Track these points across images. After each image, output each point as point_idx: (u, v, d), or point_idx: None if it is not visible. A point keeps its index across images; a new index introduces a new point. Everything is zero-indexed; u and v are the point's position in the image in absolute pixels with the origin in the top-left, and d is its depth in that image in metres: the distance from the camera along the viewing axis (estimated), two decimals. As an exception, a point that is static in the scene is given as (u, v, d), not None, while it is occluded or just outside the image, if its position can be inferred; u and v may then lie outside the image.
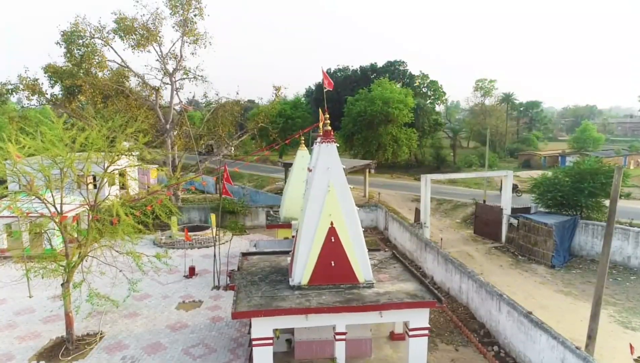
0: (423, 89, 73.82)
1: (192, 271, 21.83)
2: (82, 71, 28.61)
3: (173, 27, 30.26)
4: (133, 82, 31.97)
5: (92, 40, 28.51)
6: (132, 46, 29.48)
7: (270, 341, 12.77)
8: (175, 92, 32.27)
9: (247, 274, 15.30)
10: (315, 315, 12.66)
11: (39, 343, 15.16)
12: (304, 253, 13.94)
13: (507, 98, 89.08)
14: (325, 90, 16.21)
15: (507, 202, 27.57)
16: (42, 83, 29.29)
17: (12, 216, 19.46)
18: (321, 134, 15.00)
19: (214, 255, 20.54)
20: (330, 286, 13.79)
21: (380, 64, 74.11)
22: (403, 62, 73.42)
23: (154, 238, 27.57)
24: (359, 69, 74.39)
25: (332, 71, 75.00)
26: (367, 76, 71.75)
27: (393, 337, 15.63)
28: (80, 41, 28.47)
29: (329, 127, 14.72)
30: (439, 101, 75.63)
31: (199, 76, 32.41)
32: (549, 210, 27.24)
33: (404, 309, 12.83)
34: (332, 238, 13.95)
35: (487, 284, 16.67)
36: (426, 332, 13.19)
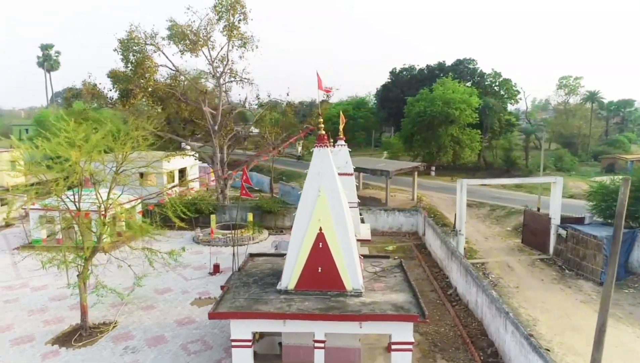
0: (495, 87, 70.10)
1: (216, 269, 22.58)
2: (136, 76, 30.65)
3: (221, 32, 31.44)
4: (184, 85, 33.64)
5: (145, 47, 30.45)
6: (181, 51, 31.08)
7: (249, 343, 12.89)
8: (224, 94, 33.51)
9: (245, 275, 15.54)
10: (293, 321, 12.59)
11: (60, 328, 16.52)
12: (293, 257, 13.89)
13: (592, 96, 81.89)
14: (329, 94, 15.94)
15: (556, 211, 25.43)
16: (105, 87, 31.86)
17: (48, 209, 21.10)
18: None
19: (233, 254, 21.07)
20: (316, 293, 13.61)
21: (449, 63, 71.51)
22: (472, 60, 70.23)
23: (194, 235, 28.84)
24: (425, 68, 72.26)
25: (397, 71, 73.54)
26: (434, 75, 69.52)
27: (389, 348, 15.06)
28: (136, 48, 30.53)
29: (323, 132, 14.47)
30: (512, 100, 71.29)
31: (245, 78, 33.39)
32: (606, 221, 24.72)
33: (384, 321, 12.37)
34: (321, 243, 13.73)
35: (498, 300, 15.54)
36: (410, 346, 12.60)
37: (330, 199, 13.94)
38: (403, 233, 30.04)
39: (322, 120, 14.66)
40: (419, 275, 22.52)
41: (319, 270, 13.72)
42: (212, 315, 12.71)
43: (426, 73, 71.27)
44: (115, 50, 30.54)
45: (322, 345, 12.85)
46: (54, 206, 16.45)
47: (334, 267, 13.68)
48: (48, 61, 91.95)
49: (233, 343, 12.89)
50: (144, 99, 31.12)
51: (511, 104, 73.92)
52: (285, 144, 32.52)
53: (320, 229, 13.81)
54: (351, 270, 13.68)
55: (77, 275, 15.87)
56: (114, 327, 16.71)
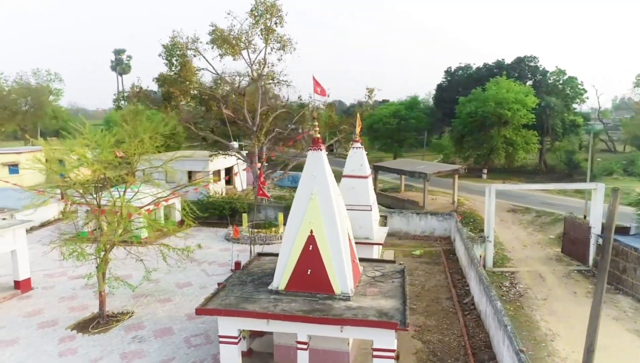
0: (559, 86, 66.03)
1: (237, 266, 23.18)
2: (179, 79, 32.23)
3: (258, 35, 32.28)
4: (224, 87, 34.88)
5: (186, 51, 31.93)
6: (220, 55, 32.27)
7: (236, 340, 13.27)
8: (267, 94, 34.41)
9: (246, 274, 15.97)
10: (275, 321, 12.81)
11: (82, 315, 17.84)
12: (284, 258, 14.13)
13: (673, 94, 74.83)
14: (324, 97, 15.99)
15: (596, 219, 23.71)
16: (152, 91, 33.81)
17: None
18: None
19: (250, 252, 21.65)
20: (305, 294, 13.75)
21: (508, 61, 68.25)
22: (534, 57, 66.56)
23: (227, 232, 29.82)
24: (483, 67, 69.47)
25: (452, 70, 71.36)
26: (491, 74, 66.66)
27: (384, 354, 14.86)
28: (178, 52, 32.10)
29: (318, 135, 14.53)
30: (577, 100, 66.81)
31: (282, 80, 34.04)
32: (654, 232, 22.73)
33: (364, 327, 12.26)
34: (311, 246, 13.86)
35: (501, 311, 14.83)
36: (392, 354, 12.38)
37: (322, 202, 14.00)
38: (435, 237, 29.27)
39: (317, 123, 14.69)
40: (440, 282, 21.92)
41: (309, 272, 13.85)
42: (198, 311, 13.24)
43: (484, 72, 68.44)
44: (159, 55, 32.28)
45: (304, 346, 12.96)
46: (75, 201, 17.71)
47: (324, 270, 13.74)
48: (120, 65, 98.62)
49: (220, 339, 13.34)
50: (184, 102, 32.60)
51: (577, 103, 69.38)
52: (279, 148, 33.34)
53: (311, 231, 13.93)
54: (340, 274, 13.68)
55: (96, 267, 17.05)
56: (130, 316, 17.79)
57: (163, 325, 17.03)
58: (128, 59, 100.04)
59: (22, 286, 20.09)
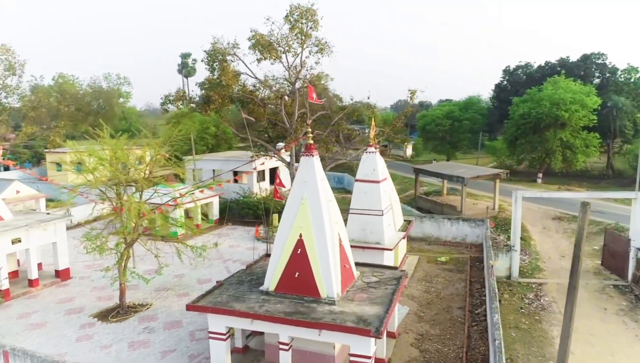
0: (631, 84, 61.08)
1: (258, 265, 23.99)
2: (220, 84, 33.60)
3: (294, 40, 32.88)
4: (263, 91, 35.90)
5: (226, 56, 33.20)
6: (258, 59, 33.27)
7: (224, 336, 13.91)
8: (299, 98, 35.00)
9: (247, 273, 16.60)
10: (258, 321, 13.29)
11: (106, 304, 19.34)
12: (275, 260, 14.59)
13: None
14: (318, 103, 16.18)
15: (636, 232, 22.03)
16: (196, 94, 35.63)
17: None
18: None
19: (267, 251, 22.25)
20: (293, 296, 14.12)
21: (573, 58, 64.12)
22: (602, 54, 62.12)
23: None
24: (545, 65, 65.78)
25: (511, 69, 68.20)
26: (554, 72, 62.96)
27: (375, 360, 14.87)
28: (220, 57, 33.47)
29: (311, 141, 14.81)
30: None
31: (319, 83, 34.44)
32: None
33: (340, 332, 12.42)
34: (299, 250, 14.22)
35: (495, 324, 14.34)
36: (369, 360, 12.44)
37: (312, 207, 14.30)
38: (467, 244, 28.44)
39: (310, 130, 14.96)
40: (457, 290, 21.38)
41: (296, 275, 14.21)
42: (189, 307, 14.01)
43: (546, 70, 64.78)
44: (202, 60, 33.84)
45: (286, 347, 13.32)
46: (105, 200, 19.18)
47: (311, 273, 14.04)
48: (186, 68, 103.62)
49: (210, 335, 14.05)
50: (223, 106, 33.90)
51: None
52: (286, 147, 33.78)
53: (300, 235, 14.28)
54: (326, 278, 13.91)
55: (117, 261, 18.41)
56: (147, 308, 19.05)
57: (174, 318, 18.07)
58: (193, 62, 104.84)
59: (61, 275, 22.07)
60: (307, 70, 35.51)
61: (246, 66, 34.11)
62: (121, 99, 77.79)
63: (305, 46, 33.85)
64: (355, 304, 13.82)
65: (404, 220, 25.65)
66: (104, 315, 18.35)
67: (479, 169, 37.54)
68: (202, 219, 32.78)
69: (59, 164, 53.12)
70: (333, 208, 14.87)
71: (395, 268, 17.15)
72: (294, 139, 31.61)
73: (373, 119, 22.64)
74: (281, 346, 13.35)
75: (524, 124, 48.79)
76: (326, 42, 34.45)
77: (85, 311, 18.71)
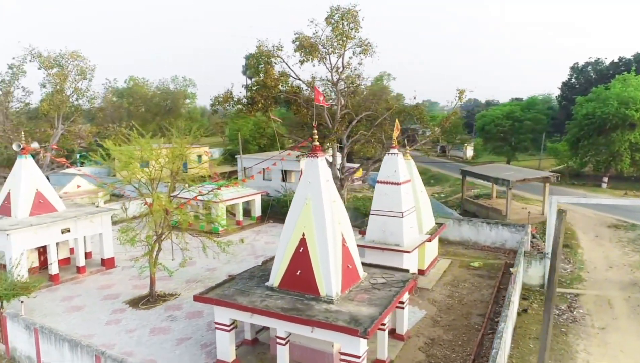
0: None
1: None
2: (265, 86, 34.69)
3: (336, 41, 33.21)
4: (307, 92, 36.53)
5: (270, 59, 34.19)
6: (300, 61, 33.97)
7: (228, 328, 14.61)
8: (340, 99, 35.35)
9: (261, 269, 17.26)
10: (257, 315, 13.85)
11: (140, 292, 20.80)
12: (279, 257, 15.10)
13: None
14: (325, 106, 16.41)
15: (688, 243, 20.19)
16: (242, 96, 36.99)
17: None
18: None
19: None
20: (295, 293, 14.56)
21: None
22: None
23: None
24: (619, 60, 61.12)
25: (579, 66, 64.06)
26: (629, 69, 58.30)
27: (375, 361, 14.94)
28: (265, 60, 34.54)
29: (317, 143, 15.13)
30: None
31: (361, 84, 34.55)
32: None
33: (331, 330, 12.68)
34: (302, 248, 14.63)
35: (499, 333, 13.88)
36: (357, 360, 12.59)
37: (314, 208, 14.65)
38: (506, 249, 27.35)
39: (316, 131, 15.27)
40: (482, 297, 20.73)
41: (298, 273, 14.62)
42: (196, 298, 14.87)
43: (620, 66, 60.16)
44: (247, 61, 35.07)
45: (282, 342, 13.76)
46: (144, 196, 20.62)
47: (311, 272, 14.40)
48: (250, 69, 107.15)
49: (216, 326, 14.82)
50: (266, 108, 34.94)
51: None
52: (295, 147, 33.96)
53: (303, 234, 14.68)
54: (326, 277, 14.20)
55: (146, 253, 19.77)
56: (175, 298, 20.27)
57: (196, 309, 19.09)
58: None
59: (106, 263, 23.99)
60: (351, 70, 35.75)
61: (289, 67, 34.95)
62: (187, 100, 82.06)
63: (347, 47, 34.12)
64: (354, 304, 13.99)
65: (436, 223, 25.25)
66: (135, 302, 19.78)
67: (527, 172, 35.79)
68: (244, 216, 34.01)
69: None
70: (337, 209, 15.09)
71: (406, 270, 17.02)
72: (301, 143, 32.24)
73: (397, 120, 22.45)
74: (278, 340, 13.81)
75: (588, 124, 45.79)
76: (369, 42, 34.52)
77: (120, 298, 20.27)
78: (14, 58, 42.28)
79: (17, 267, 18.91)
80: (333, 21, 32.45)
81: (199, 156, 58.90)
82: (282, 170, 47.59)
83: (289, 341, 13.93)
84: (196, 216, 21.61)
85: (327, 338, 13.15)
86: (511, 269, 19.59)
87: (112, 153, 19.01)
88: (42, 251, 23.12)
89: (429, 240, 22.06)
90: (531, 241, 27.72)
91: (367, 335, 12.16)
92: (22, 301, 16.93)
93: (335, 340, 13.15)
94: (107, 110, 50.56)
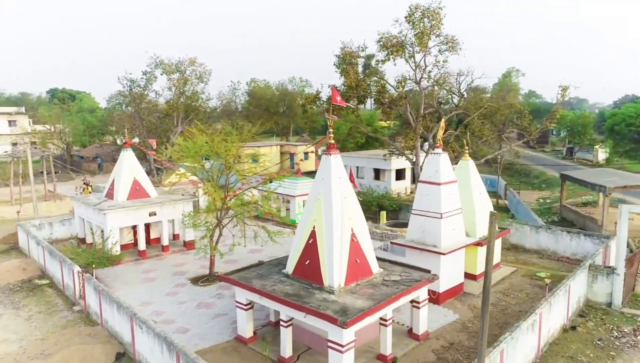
0: None
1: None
2: (351, 86, 35.76)
3: (416, 40, 32.90)
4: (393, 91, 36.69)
5: (356, 60, 35.10)
6: (382, 60, 34.33)
7: (245, 307, 16.17)
8: (425, 97, 34.94)
9: (287, 258, 18.51)
10: (264, 298, 15.19)
11: (204, 272, 23.44)
12: (295, 247, 16.27)
13: None
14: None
15: None
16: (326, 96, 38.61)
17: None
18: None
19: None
20: (304, 282, 15.65)
21: None
22: None
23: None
24: None
25: None
26: None
27: (379, 357, 15.25)
28: (352, 60, 35.59)
29: (332, 141, 15.88)
30: None
31: (443, 82, 33.73)
32: None
33: (315, 317, 13.51)
34: (311, 240, 15.63)
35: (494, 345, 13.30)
36: (341, 348, 13.20)
37: (325, 203, 15.52)
38: (576, 259, 24.88)
39: (331, 131, 16.00)
40: (530, 309, 19.40)
41: (307, 263, 15.65)
42: (221, 278, 16.76)
43: None
44: (333, 64, 36.56)
45: (285, 324, 14.90)
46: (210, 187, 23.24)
47: (318, 263, 15.35)
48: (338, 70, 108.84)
49: (236, 304, 16.51)
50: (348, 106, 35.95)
51: None
52: (317, 144, 32.53)
53: (314, 227, 15.66)
54: (329, 269, 15.01)
55: (206, 235, 22.33)
56: (230, 279, 22.52)
57: (242, 290, 21.07)
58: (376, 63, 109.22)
59: (187, 245, 27.34)
60: (439, 68, 35.18)
61: (373, 67, 35.54)
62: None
63: (431, 45, 33.68)
64: (354, 297, 14.57)
65: (499, 227, 24.00)
66: (196, 280, 22.45)
67: (630, 178, 31.49)
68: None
69: (292, 155, 62.99)
70: (349, 205, 15.71)
71: (427, 271, 16.91)
72: (320, 140, 32.23)
73: (443, 120, 21.87)
74: (281, 323, 14.99)
75: None
76: (455, 38, 33.62)
77: (186, 275, 23.17)
78: (147, 65, 49.50)
79: (108, 240, 22.84)
80: (414, 19, 32.29)
81: (305, 153, 62.43)
82: (374, 168, 48.33)
83: (291, 324, 15.02)
84: (249, 203, 23.30)
85: (317, 325, 13.95)
86: (545, 278, 18.11)
87: (179, 147, 21.86)
88: (137, 230, 27.26)
89: (480, 244, 21.24)
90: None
91: (345, 325, 12.73)
92: (93, 268, 20.50)
93: (323, 328, 13.89)
94: (229, 110, 55.92)
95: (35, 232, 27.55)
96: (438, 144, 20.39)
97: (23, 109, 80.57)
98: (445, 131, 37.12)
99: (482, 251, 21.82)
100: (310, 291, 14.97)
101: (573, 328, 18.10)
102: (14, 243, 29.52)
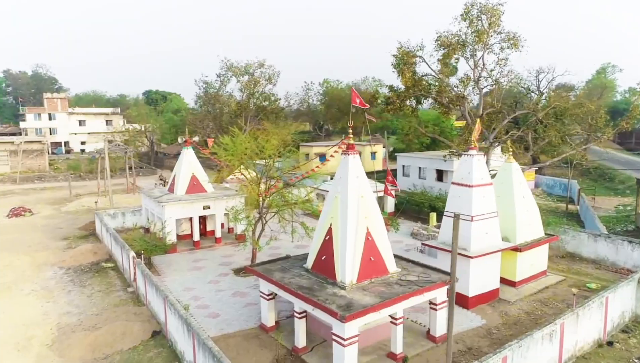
0: None
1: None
2: (407, 86, 35.54)
3: (471, 37, 31.94)
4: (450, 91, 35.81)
5: (414, 59, 34.75)
6: (439, 60, 33.69)
7: (267, 297, 17.14)
8: (482, 97, 33.85)
9: (317, 254, 19.23)
10: (280, 290, 16.06)
11: (247, 264, 24.88)
12: (314, 243, 16.99)
13: None
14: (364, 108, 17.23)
15: None
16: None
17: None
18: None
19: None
20: (321, 276, 16.34)
21: None
22: None
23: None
24: None
25: None
26: None
27: (389, 354, 15.45)
28: (408, 60, 35.33)
29: (352, 142, 16.32)
30: None
31: (499, 81, 32.46)
32: None
33: (320, 310, 14.11)
34: (328, 237, 16.26)
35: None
36: (343, 341, 13.67)
37: (341, 201, 16.07)
38: (616, 269, 22.97)
39: (351, 131, 16.42)
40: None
41: (323, 259, 16.28)
42: (247, 269, 17.88)
43: None
44: (391, 64, 36.58)
45: (298, 315, 15.64)
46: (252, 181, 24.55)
47: (332, 259, 15.95)
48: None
49: (260, 295, 17.54)
50: (402, 107, 35.74)
51: None
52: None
53: (331, 225, 16.27)
54: (341, 264, 15.55)
55: (247, 229, 23.67)
56: (269, 272, 23.71)
57: (278, 282, 22.13)
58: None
59: (238, 238, 28.92)
60: (500, 67, 33.97)
61: (430, 67, 35.09)
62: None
63: (492, 42, 32.62)
64: (363, 294, 14.97)
65: (546, 234, 22.91)
66: (238, 271, 23.88)
67: None
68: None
69: (307, 155, 64.51)
70: (365, 204, 16.09)
71: (447, 273, 16.76)
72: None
73: (479, 119, 21.18)
74: (295, 314, 15.75)
75: None
76: (518, 36, 32.27)
77: (231, 266, 24.71)
78: (221, 68, 52.63)
79: (162, 230, 25.07)
80: (472, 17, 31.45)
81: (373, 153, 62.54)
82: (436, 169, 47.47)
83: (305, 316, 15.73)
84: (295, 204, 24.32)
85: (323, 318, 14.53)
86: (595, 290, 17.06)
87: (225, 146, 23.41)
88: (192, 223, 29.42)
89: (518, 250, 20.48)
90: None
91: (344, 320, 13.20)
92: (143, 254, 22.59)
93: (328, 321, 14.42)
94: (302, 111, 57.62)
95: (109, 221, 30.76)
96: (472, 146, 19.96)
97: (119, 110, 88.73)
98: (507, 132, 35.85)
99: (521, 257, 21.03)
100: (324, 285, 15.58)
101: (610, 343, 16.97)
102: (92, 230, 33.11)
